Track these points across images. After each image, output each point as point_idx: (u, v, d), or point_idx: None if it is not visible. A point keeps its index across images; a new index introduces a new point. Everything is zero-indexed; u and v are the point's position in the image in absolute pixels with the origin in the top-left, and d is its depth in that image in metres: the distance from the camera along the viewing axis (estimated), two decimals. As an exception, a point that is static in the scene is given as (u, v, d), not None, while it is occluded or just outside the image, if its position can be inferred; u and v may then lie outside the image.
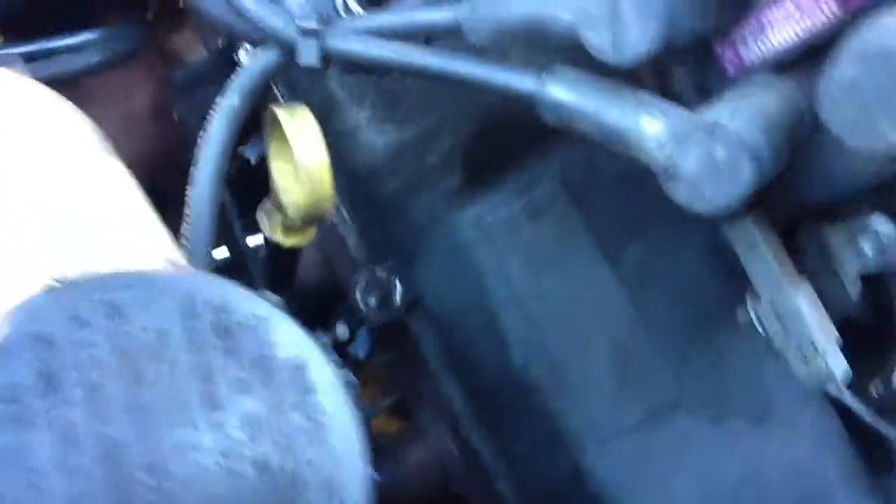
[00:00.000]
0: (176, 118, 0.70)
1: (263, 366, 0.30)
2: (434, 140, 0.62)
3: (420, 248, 0.64)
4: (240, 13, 0.51)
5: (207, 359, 0.29)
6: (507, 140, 0.62)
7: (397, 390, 0.75)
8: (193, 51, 0.80)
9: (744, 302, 0.59)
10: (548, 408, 0.62)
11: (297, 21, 0.49)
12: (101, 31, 0.60)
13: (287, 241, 0.58)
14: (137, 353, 0.28)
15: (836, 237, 0.53)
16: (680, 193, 0.44)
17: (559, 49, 0.47)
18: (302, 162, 0.50)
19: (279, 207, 0.57)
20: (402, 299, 0.64)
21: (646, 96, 0.46)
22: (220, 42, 0.73)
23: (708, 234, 0.63)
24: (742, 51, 0.48)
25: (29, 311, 0.28)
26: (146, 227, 0.35)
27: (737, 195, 0.42)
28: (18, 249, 0.31)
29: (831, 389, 0.56)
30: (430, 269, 0.64)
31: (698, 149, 0.43)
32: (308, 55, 0.49)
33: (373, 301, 0.65)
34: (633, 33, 0.42)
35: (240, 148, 0.72)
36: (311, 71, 0.51)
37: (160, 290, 0.29)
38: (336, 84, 0.61)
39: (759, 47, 0.48)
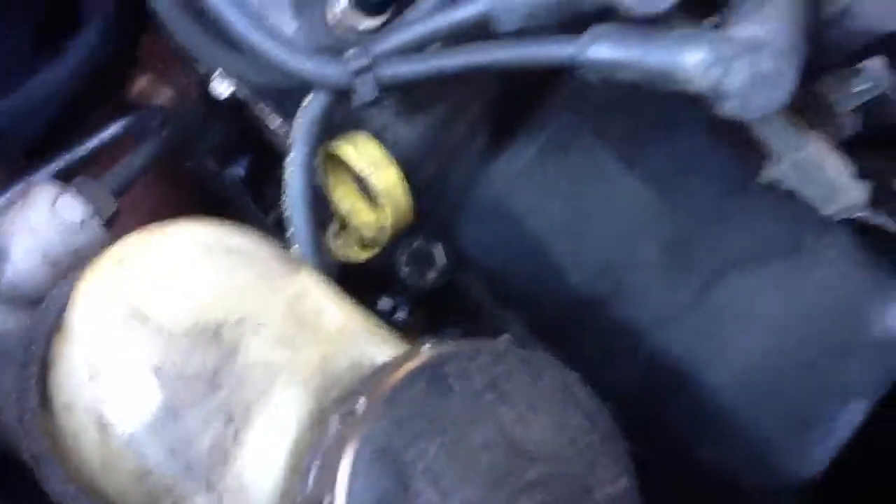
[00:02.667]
0: (190, 166, 0.71)
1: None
2: (460, 113, 0.64)
3: (458, 213, 0.67)
4: (275, 66, 0.52)
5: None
6: (523, 92, 0.65)
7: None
8: (159, 93, 0.80)
9: (761, 167, 0.67)
10: (612, 311, 0.68)
11: (347, 64, 0.51)
12: (135, 116, 0.60)
13: (363, 256, 0.61)
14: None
15: (828, 85, 0.60)
16: (730, 109, 0.50)
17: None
18: (382, 190, 0.54)
19: (348, 229, 0.60)
20: (449, 259, 0.68)
21: (682, 27, 0.50)
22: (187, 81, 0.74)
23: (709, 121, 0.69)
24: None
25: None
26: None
27: (784, 99, 0.49)
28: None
29: (859, 215, 0.64)
30: (471, 228, 0.68)
31: (745, 67, 0.48)
32: (366, 93, 0.51)
33: (418, 270, 0.69)
34: None
35: (226, 171, 0.74)
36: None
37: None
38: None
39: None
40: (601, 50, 0.51)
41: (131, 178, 0.55)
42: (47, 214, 0.46)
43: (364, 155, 0.54)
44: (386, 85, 0.52)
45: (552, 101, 0.66)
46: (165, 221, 0.40)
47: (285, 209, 0.53)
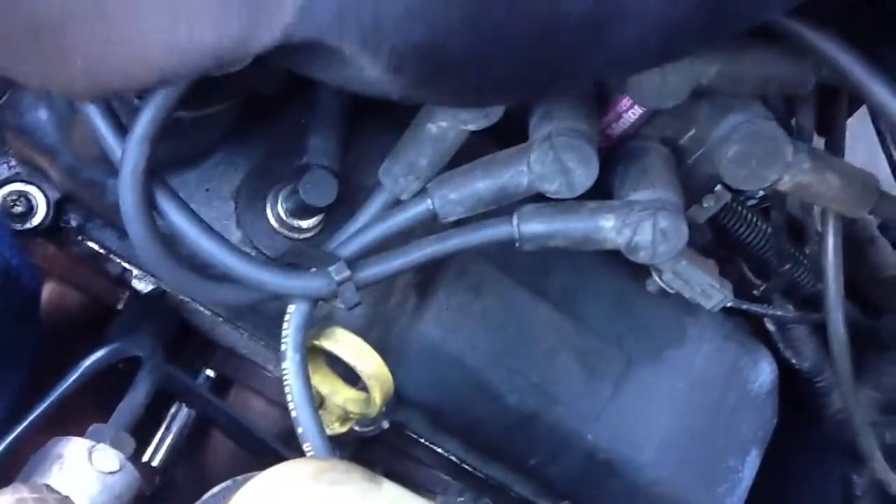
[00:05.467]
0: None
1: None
2: (393, 286, 0.74)
3: (397, 365, 0.72)
4: (256, 287, 0.58)
5: None
6: None
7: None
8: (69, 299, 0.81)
9: (647, 278, 0.80)
10: (547, 421, 0.79)
11: (333, 275, 0.57)
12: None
13: (342, 429, 0.67)
14: None
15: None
16: (641, 258, 0.61)
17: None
18: (371, 374, 0.60)
19: (327, 407, 0.66)
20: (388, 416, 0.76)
21: (592, 203, 0.62)
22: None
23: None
24: (609, 132, 0.67)
25: None
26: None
27: (681, 246, 0.61)
28: None
29: (730, 303, 0.79)
30: (411, 374, 0.75)
31: (649, 227, 0.60)
32: (350, 299, 0.58)
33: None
34: None
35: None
36: None
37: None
38: None
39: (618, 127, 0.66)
40: (533, 227, 0.61)
41: (137, 414, 0.58)
42: (88, 469, 0.48)
43: (347, 347, 0.61)
44: (363, 286, 0.60)
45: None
46: (272, 471, 0.44)
47: (291, 409, 0.58)
